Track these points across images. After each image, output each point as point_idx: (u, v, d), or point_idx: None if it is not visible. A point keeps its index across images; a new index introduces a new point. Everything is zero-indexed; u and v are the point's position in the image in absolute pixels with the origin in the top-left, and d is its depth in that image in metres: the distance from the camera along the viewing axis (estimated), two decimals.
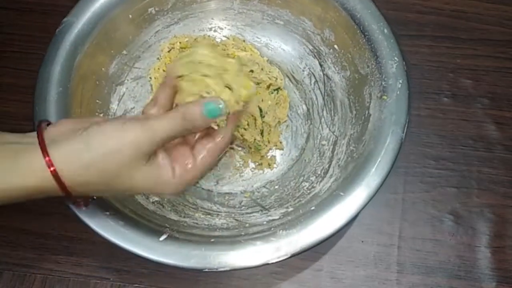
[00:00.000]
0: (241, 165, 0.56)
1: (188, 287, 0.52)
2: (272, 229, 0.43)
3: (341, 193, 0.44)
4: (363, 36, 0.50)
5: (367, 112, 0.49)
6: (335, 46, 0.53)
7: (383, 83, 0.48)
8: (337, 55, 0.54)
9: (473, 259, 0.54)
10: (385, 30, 0.49)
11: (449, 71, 0.62)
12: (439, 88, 0.61)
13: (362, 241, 0.55)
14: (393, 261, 0.54)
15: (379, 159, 0.45)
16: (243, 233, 0.44)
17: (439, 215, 0.55)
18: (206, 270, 0.41)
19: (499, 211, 0.56)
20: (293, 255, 0.42)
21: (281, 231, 0.43)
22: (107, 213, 0.43)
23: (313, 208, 0.45)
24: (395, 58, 0.48)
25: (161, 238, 0.43)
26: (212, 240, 0.43)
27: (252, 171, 0.56)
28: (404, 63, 0.48)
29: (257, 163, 0.56)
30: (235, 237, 0.44)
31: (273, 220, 0.47)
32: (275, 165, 0.56)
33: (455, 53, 0.63)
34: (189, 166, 0.38)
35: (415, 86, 0.61)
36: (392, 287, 0.53)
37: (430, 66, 0.62)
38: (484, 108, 0.60)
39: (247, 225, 0.48)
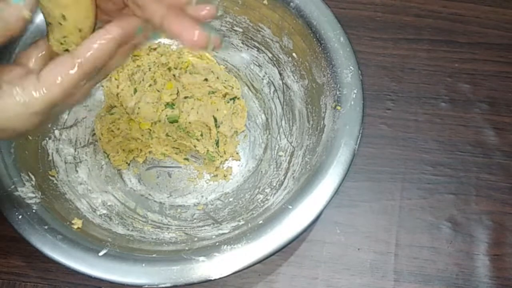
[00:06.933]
0: (195, 177, 0.55)
1: None
2: (217, 244, 0.42)
3: (290, 207, 0.43)
4: (319, 44, 0.48)
5: (322, 122, 0.48)
6: (294, 54, 0.52)
7: (337, 92, 0.46)
8: (295, 63, 0.53)
9: (471, 267, 0.53)
10: (341, 38, 0.48)
11: (447, 75, 0.61)
12: (437, 93, 0.60)
13: (359, 249, 0.54)
14: (390, 269, 0.53)
15: (329, 172, 0.43)
16: (187, 248, 0.43)
17: (437, 222, 0.55)
18: (146, 286, 0.40)
19: (497, 218, 0.55)
20: (236, 272, 0.41)
21: (225, 246, 0.41)
22: (46, 227, 0.42)
23: (261, 222, 0.43)
24: (351, 67, 0.47)
25: (101, 253, 0.41)
26: (154, 255, 0.42)
27: (207, 182, 0.55)
28: (359, 72, 0.47)
29: (212, 175, 0.55)
30: (179, 252, 0.42)
31: (223, 234, 0.46)
32: (231, 177, 0.55)
33: (453, 57, 0.62)
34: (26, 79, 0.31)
35: (413, 91, 0.60)
36: None
37: (428, 70, 0.61)
38: (483, 113, 0.59)
39: (195, 239, 0.47)
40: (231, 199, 0.54)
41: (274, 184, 0.52)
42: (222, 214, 0.52)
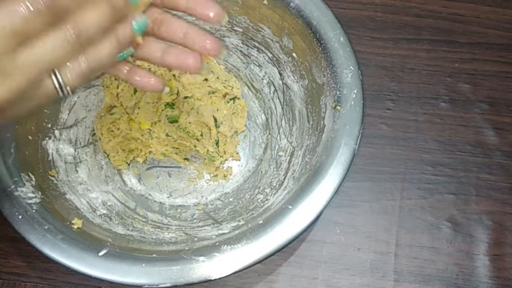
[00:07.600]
0: (195, 177, 0.55)
1: None
2: (217, 244, 0.42)
3: (290, 207, 0.42)
4: (319, 44, 0.48)
5: (322, 122, 0.48)
6: (294, 54, 0.52)
7: (337, 92, 0.46)
8: (295, 63, 0.52)
9: (471, 267, 0.53)
10: (341, 38, 0.48)
11: (447, 75, 0.61)
12: (437, 93, 0.60)
13: (359, 249, 0.54)
14: (390, 269, 0.53)
15: (329, 172, 0.43)
16: (187, 248, 0.43)
17: (437, 222, 0.55)
18: (146, 286, 0.40)
19: (497, 218, 0.55)
20: (236, 272, 0.41)
21: (225, 246, 0.41)
22: (46, 227, 0.42)
23: (260, 222, 0.43)
24: (351, 67, 0.47)
25: (101, 253, 0.41)
26: (154, 255, 0.42)
27: (207, 182, 0.55)
28: (359, 72, 0.47)
29: (212, 175, 0.55)
30: (179, 252, 0.42)
31: (223, 234, 0.46)
32: (231, 177, 0.55)
33: (453, 57, 0.62)
34: None
35: (413, 91, 0.60)
36: None
37: (428, 71, 0.61)
38: (483, 113, 0.59)
39: (195, 239, 0.46)
40: (231, 199, 0.54)
41: (274, 184, 0.51)
42: (222, 214, 0.52)
